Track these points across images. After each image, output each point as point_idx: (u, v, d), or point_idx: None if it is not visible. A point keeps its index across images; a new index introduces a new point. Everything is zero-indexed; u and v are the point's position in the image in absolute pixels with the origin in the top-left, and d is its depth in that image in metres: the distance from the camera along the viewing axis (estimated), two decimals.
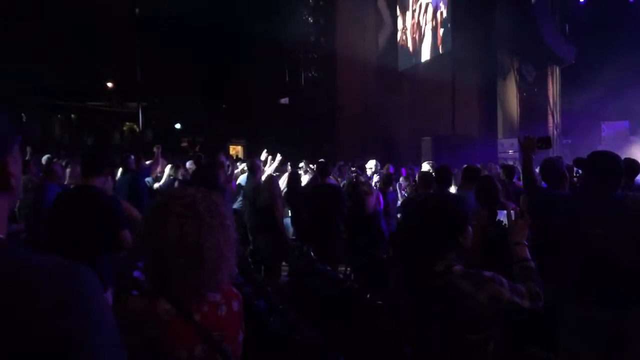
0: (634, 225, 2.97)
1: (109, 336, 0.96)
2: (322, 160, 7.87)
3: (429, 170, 7.69)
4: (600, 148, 15.49)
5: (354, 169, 9.95)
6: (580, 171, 3.84)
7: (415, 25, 21.41)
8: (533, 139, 3.80)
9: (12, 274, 0.89)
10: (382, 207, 6.79)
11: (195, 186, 1.66)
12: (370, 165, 9.94)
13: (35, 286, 0.88)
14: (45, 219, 4.23)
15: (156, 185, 7.96)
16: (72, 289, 0.91)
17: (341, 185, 8.34)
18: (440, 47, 19.08)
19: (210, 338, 1.53)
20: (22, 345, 0.85)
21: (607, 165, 3.13)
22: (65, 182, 6.68)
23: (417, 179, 6.90)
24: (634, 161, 5.61)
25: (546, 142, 3.92)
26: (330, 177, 9.22)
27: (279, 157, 8.50)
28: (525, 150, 3.77)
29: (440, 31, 19.15)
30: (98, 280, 0.97)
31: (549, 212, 3.40)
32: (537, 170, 4.52)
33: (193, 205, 1.54)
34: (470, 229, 2.17)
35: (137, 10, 20.06)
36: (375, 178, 9.24)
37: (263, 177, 6.82)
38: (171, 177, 7.96)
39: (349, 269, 6.74)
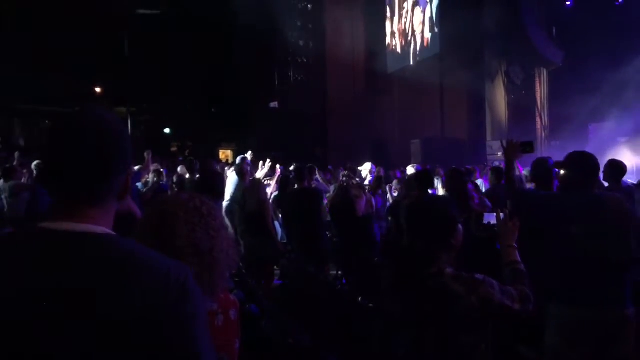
0: (615, 222, 3.04)
1: (206, 329, 1.07)
2: (300, 165, 7.88)
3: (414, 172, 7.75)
4: (587, 149, 15.60)
5: (346, 172, 9.96)
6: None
7: (403, 29, 21.49)
8: (516, 144, 3.85)
9: (144, 264, 1.02)
10: (374, 209, 6.80)
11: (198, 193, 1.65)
12: (366, 167, 9.95)
13: (168, 275, 1.01)
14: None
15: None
16: (188, 281, 1.03)
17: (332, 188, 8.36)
18: (429, 50, 19.16)
19: None
20: (153, 322, 0.96)
21: (585, 164, 3.22)
22: None
23: (404, 182, 6.94)
24: (619, 163, 5.66)
25: (529, 146, 3.96)
26: (320, 180, 9.26)
27: (269, 163, 8.49)
28: (508, 155, 3.82)
29: (429, 34, 19.23)
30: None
31: (532, 213, 3.45)
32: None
33: (198, 211, 1.54)
34: (460, 229, 2.19)
35: (126, 14, 20.00)
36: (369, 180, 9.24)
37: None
38: (154, 182, 7.90)
39: (340, 271, 6.75)
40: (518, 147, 3.84)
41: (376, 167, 10.38)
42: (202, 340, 1.02)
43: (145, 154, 6.93)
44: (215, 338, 1.54)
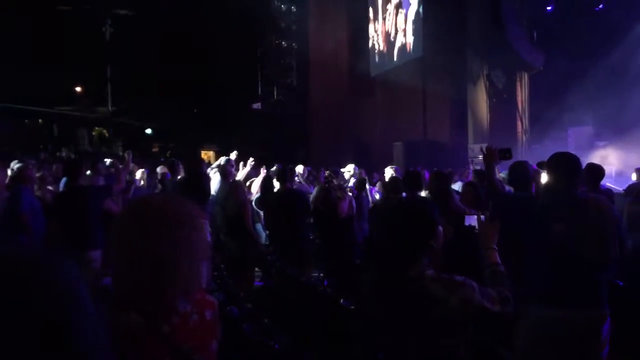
0: (595, 223, 3.08)
1: (89, 321, 1.00)
2: (280, 165, 7.85)
3: (393, 174, 7.78)
4: None
5: (328, 173, 9.94)
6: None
7: (386, 31, 21.57)
8: (495, 150, 4.01)
9: None
10: (354, 211, 6.81)
11: (185, 196, 1.63)
12: (349, 169, 9.96)
13: (20, 273, 0.93)
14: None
15: None
16: (54, 276, 0.95)
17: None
18: (412, 53, 19.25)
19: (180, 350, 1.49)
20: (12, 332, 0.89)
21: (568, 165, 3.29)
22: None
23: (385, 184, 6.96)
24: (598, 166, 5.72)
25: (508, 152, 4.14)
26: (302, 182, 9.25)
27: (250, 162, 8.45)
28: (488, 160, 3.99)
29: (411, 38, 19.32)
30: (77, 269, 1.01)
31: (513, 214, 3.48)
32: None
33: (162, 214, 1.51)
34: (441, 230, 2.20)
35: (107, 15, 19.85)
36: (353, 182, 9.24)
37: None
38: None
39: (321, 274, 6.75)
40: (497, 153, 4.01)
41: (358, 169, 10.40)
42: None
43: (126, 155, 6.87)
44: (189, 339, 1.52)
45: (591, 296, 3.07)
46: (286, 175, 6.58)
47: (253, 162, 8.47)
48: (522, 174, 4.23)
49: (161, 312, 1.50)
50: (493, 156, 3.99)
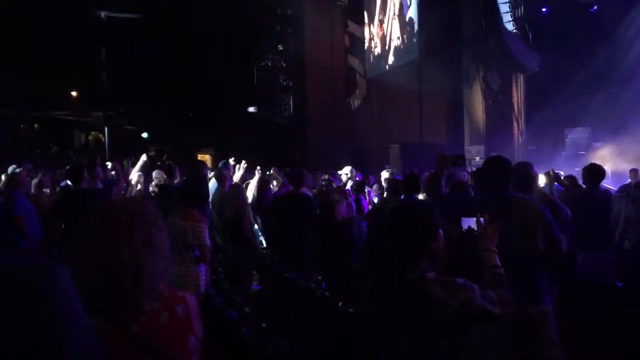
0: (522, 220, 3.25)
1: (82, 326, 1.03)
2: (296, 168, 7.83)
3: (388, 177, 7.78)
4: (563, 154, 15.84)
5: (326, 176, 9.92)
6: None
7: (382, 34, 21.60)
8: (447, 157, 4.38)
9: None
10: (354, 214, 6.80)
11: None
12: (346, 171, 9.94)
13: (8, 283, 0.94)
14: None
15: None
16: (45, 283, 0.97)
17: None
18: (407, 55, 19.27)
19: (150, 348, 1.50)
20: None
21: (499, 168, 3.56)
22: (32, 191, 6.81)
23: (384, 186, 6.96)
24: (598, 167, 5.74)
25: (460, 159, 4.56)
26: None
27: (243, 165, 8.43)
28: (439, 166, 4.28)
29: (407, 39, 19.36)
30: (67, 273, 1.03)
31: (457, 216, 3.62)
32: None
33: (118, 217, 1.52)
34: (441, 233, 2.19)
35: (102, 17, 19.81)
36: (350, 184, 9.23)
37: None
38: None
39: (320, 277, 6.73)
40: (449, 160, 4.37)
41: (355, 171, 10.39)
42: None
43: (125, 162, 6.92)
44: (160, 337, 1.52)
45: (528, 292, 3.15)
46: (301, 179, 6.57)
47: (246, 165, 8.46)
48: (524, 175, 4.26)
49: (127, 312, 1.51)
50: (445, 162, 4.27)
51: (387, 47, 21.11)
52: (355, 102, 23.72)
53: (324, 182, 9.51)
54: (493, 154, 11.12)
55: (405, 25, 19.61)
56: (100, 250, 1.47)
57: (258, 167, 8.46)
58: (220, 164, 7.50)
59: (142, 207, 1.59)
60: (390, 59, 20.80)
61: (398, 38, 20.17)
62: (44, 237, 6.03)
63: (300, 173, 6.75)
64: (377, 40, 22.08)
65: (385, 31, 21.22)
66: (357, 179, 9.68)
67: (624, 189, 8.35)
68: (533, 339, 3.14)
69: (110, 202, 1.72)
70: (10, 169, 8.33)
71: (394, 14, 20.54)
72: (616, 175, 12.03)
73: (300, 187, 6.54)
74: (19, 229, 5.66)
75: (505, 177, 3.51)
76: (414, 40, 18.53)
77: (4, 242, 5.55)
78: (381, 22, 21.64)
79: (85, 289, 1.50)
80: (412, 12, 18.97)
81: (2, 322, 0.91)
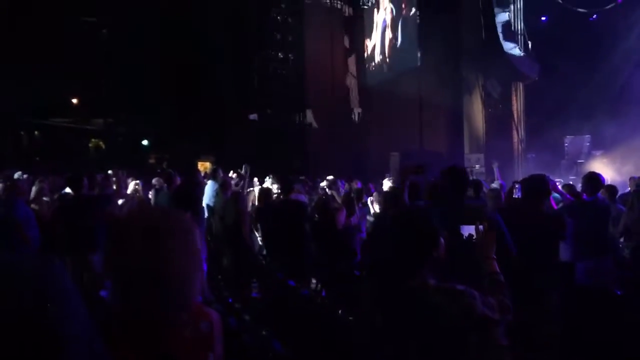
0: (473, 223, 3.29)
1: (79, 319, 1.05)
2: (286, 175, 7.84)
3: (391, 185, 7.79)
4: (563, 162, 15.85)
5: (325, 184, 9.93)
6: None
7: (382, 42, 21.67)
8: (409, 168, 4.79)
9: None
10: (354, 222, 6.80)
11: (173, 205, 1.65)
12: (329, 180, 9.94)
13: (9, 281, 0.98)
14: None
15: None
16: (45, 279, 1.00)
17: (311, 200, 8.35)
18: (407, 63, 19.33)
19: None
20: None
21: (456, 177, 3.77)
22: (31, 197, 6.96)
23: (385, 194, 6.96)
24: (597, 175, 5.76)
25: (420, 168, 4.90)
26: (299, 192, 9.24)
27: (246, 168, 8.40)
28: (402, 176, 4.67)
29: (407, 48, 19.41)
30: (63, 269, 1.06)
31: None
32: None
33: (152, 228, 1.48)
34: (442, 241, 2.19)
35: (102, 25, 19.88)
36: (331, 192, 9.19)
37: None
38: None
39: (319, 285, 6.72)
40: (411, 170, 4.76)
41: (351, 179, 10.40)
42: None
43: (120, 172, 6.99)
44: (178, 351, 1.50)
45: None
46: (291, 186, 6.59)
47: (236, 174, 8.47)
48: (534, 186, 4.28)
49: (155, 323, 1.48)
50: (407, 172, 4.67)
51: (387, 55, 21.17)
52: (357, 113, 23.75)
53: (322, 190, 9.53)
54: (493, 162, 11.17)
55: (405, 33, 19.68)
56: (144, 258, 1.43)
57: (255, 179, 8.48)
58: (209, 172, 7.57)
59: (180, 216, 1.57)
60: (391, 67, 20.86)
61: (398, 46, 20.24)
62: (43, 242, 6.15)
63: (289, 180, 6.79)
64: (377, 48, 22.15)
65: (385, 39, 21.29)
66: (358, 186, 9.69)
67: (624, 197, 8.34)
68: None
69: (148, 210, 1.69)
70: (16, 175, 8.41)
71: (394, 23, 20.61)
72: (616, 183, 12.03)
73: (289, 194, 6.56)
74: (18, 234, 5.78)
75: (461, 187, 3.76)
76: (415, 48, 18.59)
77: (4, 247, 5.61)
78: (382, 30, 21.71)
79: (116, 296, 1.50)
80: (412, 21, 19.04)
81: (3, 316, 0.94)
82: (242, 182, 7.83)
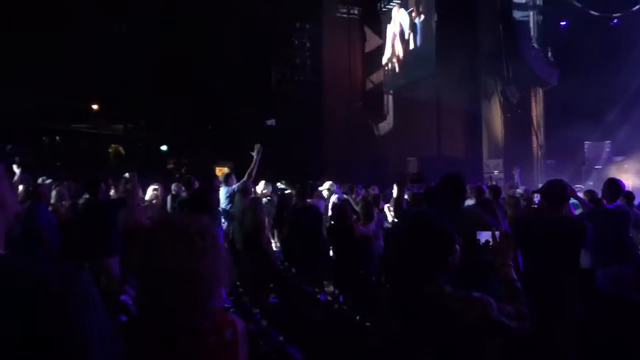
0: (467, 229, 3.20)
1: (103, 328, 1.07)
2: (301, 182, 7.85)
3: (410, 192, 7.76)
4: (583, 168, 15.66)
5: (324, 187, 9.91)
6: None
7: (400, 47, 21.63)
8: (406, 176, 4.80)
9: (13, 282, 0.99)
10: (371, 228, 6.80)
11: (189, 210, 1.67)
12: (327, 186, 9.88)
13: (34, 289, 0.99)
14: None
15: None
16: (67, 287, 1.01)
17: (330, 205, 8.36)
18: (425, 68, 19.26)
19: None
20: (25, 340, 0.95)
21: (452, 183, 3.85)
22: (52, 202, 7.05)
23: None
24: (617, 181, 5.71)
25: (419, 177, 5.00)
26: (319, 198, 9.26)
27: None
28: (399, 185, 4.69)
29: (425, 53, 19.35)
30: (90, 279, 1.08)
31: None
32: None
33: (184, 230, 1.51)
34: (457, 247, 2.19)
35: (122, 31, 20.09)
36: (333, 198, 9.16)
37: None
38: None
39: (337, 290, 6.72)
40: (407, 178, 4.79)
41: (368, 185, 10.36)
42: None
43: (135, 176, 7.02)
44: (205, 358, 1.52)
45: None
46: (305, 192, 6.63)
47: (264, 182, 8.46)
48: (552, 192, 4.26)
49: (181, 329, 1.50)
50: (404, 181, 4.70)
51: (404, 61, 21.12)
52: (380, 127, 23.70)
53: (341, 197, 9.51)
54: (514, 167, 11.11)
55: (423, 39, 19.63)
56: (176, 259, 1.46)
57: (270, 185, 8.49)
58: (222, 177, 7.61)
59: (208, 221, 1.61)
60: (408, 73, 20.81)
61: (416, 52, 20.18)
62: (62, 246, 6.26)
63: (304, 186, 6.84)
64: (395, 53, 22.11)
65: (403, 45, 21.25)
66: (375, 192, 9.68)
67: None
68: None
69: (175, 215, 1.73)
70: (39, 180, 8.52)
71: (412, 28, 20.58)
72: (636, 190, 11.87)
73: (304, 199, 6.59)
74: (39, 238, 5.90)
75: (456, 193, 3.83)
76: (432, 53, 18.52)
77: (25, 250, 5.71)
78: (400, 35, 21.67)
79: (143, 300, 1.53)
80: (430, 26, 18.99)
81: (30, 324, 0.96)
82: (252, 165, 7.65)
